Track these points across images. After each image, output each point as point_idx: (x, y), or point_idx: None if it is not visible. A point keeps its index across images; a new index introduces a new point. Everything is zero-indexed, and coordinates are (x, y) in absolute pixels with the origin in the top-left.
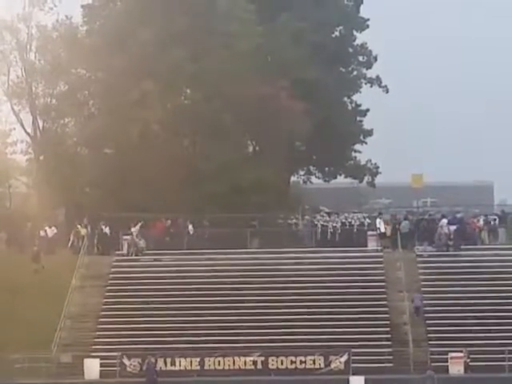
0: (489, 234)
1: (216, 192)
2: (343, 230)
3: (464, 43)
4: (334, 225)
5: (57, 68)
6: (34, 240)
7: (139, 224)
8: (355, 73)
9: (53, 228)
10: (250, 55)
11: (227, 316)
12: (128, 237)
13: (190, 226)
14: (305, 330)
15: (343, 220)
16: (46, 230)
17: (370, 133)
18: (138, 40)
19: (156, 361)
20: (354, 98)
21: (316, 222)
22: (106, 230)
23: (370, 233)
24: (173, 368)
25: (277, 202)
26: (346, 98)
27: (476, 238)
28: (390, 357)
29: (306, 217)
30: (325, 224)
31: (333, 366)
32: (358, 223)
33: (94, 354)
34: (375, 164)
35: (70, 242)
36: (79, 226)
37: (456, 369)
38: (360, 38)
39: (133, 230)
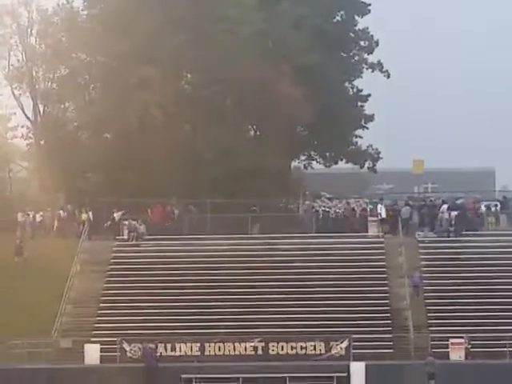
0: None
1: (217, 177)
2: (346, 215)
3: (466, 29)
4: (338, 210)
5: (57, 52)
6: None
7: (122, 211)
8: (356, 58)
9: (41, 213)
10: (250, 40)
11: (228, 301)
12: (127, 222)
13: (192, 207)
14: (305, 315)
15: (351, 207)
16: (30, 215)
17: (371, 118)
18: (138, 24)
19: (156, 346)
20: (356, 83)
21: (317, 208)
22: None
23: (370, 218)
24: (173, 353)
25: (278, 188)
26: (347, 83)
27: (477, 223)
28: (391, 343)
29: (307, 202)
30: (326, 209)
31: (333, 351)
32: (360, 208)
33: (94, 339)
34: (376, 149)
35: (55, 226)
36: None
37: (457, 355)
38: (361, 22)
39: (115, 215)
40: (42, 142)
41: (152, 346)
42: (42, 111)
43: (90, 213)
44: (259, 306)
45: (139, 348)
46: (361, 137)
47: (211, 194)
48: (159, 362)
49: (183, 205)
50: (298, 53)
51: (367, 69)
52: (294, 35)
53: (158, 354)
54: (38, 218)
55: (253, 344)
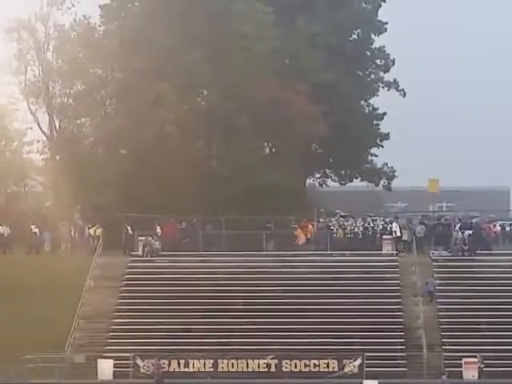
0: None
1: (231, 194)
2: (362, 234)
3: (485, 46)
4: (355, 230)
5: (74, 68)
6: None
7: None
8: (372, 76)
9: (6, 228)
10: (266, 58)
11: (241, 318)
12: (143, 238)
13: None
14: (319, 333)
15: (365, 225)
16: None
17: (386, 136)
18: (155, 41)
19: (170, 362)
20: (371, 101)
21: (332, 227)
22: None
23: (385, 237)
24: (186, 370)
25: (292, 205)
26: (362, 102)
27: (491, 242)
28: (404, 361)
29: (321, 220)
30: (342, 227)
31: (346, 369)
32: (380, 228)
33: (107, 354)
34: (391, 168)
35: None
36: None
37: (470, 374)
38: (378, 41)
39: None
40: (57, 157)
41: (157, 361)
42: (57, 126)
43: (101, 229)
44: (273, 323)
45: (152, 364)
46: (376, 155)
47: (226, 210)
48: (169, 377)
49: (198, 221)
50: (313, 71)
51: (383, 87)
52: (310, 53)
53: (166, 369)
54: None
55: (266, 361)
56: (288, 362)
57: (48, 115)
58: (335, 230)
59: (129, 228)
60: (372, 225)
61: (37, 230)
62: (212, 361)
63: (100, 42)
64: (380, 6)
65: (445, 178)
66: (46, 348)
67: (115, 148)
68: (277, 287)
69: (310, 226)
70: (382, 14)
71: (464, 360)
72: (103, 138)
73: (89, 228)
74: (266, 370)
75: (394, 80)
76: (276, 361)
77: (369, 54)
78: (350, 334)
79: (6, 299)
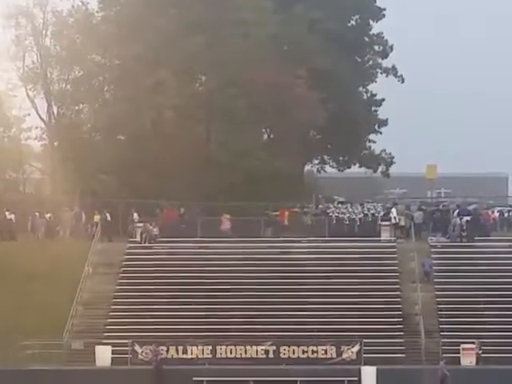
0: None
1: (230, 180)
2: (361, 220)
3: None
4: (353, 217)
5: (72, 54)
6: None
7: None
8: (371, 62)
9: (48, 215)
10: (265, 44)
11: (239, 305)
12: (141, 224)
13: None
14: (317, 319)
15: (365, 211)
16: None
17: (384, 122)
18: (153, 27)
19: (168, 349)
20: (370, 87)
21: (330, 213)
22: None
23: (383, 223)
24: (184, 356)
25: (290, 191)
26: (361, 88)
27: (489, 229)
28: (402, 347)
29: (320, 206)
30: (340, 214)
31: (344, 355)
32: (381, 214)
33: (105, 341)
34: (390, 154)
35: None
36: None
37: (468, 360)
38: (376, 27)
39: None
40: (55, 144)
41: (155, 348)
42: (56, 113)
43: (108, 214)
44: (271, 310)
45: (150, 350)
46: (374, 141)
47: (224, 196)
48: (167, 364)
49: (197, 207)
50: (312, 56)
51: (381, 73)
52: (308, 39)
53: (164, 355)
54: (47, 217)
55: (264, 347)
56: (286, 348)
57: (46, 101)
58: (333, 216)
59: (135, 214)
60: (371, 211)
61: (12, 217)
62: (210, 347)
63: (98, 28)
64: None
65: (443, 164)
66: (44, 334)
67: (113, 134)
68: (275, 273)
69: (287, 213)
70: (381, 0)
71: (462, 346)
72: (101, 124)
73: (85, 214)
74: (264, 356)
75: (393, 66)
76: (274, 347)
77: (367, 40)
78: (348, 320)
79: (4, 285)
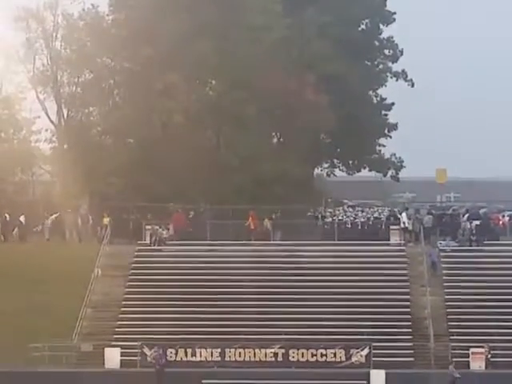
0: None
1: (240, 183)
2: (370, 223)
3: (491, 36)
4: (362, 220)
5: (82, 57)
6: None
7: (55, 215)
8: (381, 66)
9: (53, 216)
10: (275, 48)
11: (248, 307)
12: (150, 227)
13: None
14: (326, 322)
15: (375, 215)
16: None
17: (394, 127)
18: (163, 30)
19: (177, 351)
20: (380, 91)
21: (340, 216)
22: None
23: (392, 227)
24: (193, 359)
25: (300, 195)
26: (371, 92)
27: (499, 233)
28: (411, 351)
29: (329, 210)
30: (350, 218)
31: (353, 359)
32: (390, 218)
33: (114, 343)
34: (399, 158)
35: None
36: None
37: (477, 364)
38: (386, 31)
39: (47, 221)
40: (65, 146)
41: (159, 351)
42: (65, 115)
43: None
44: (280, 313)
45: (155, 352)
46: (384, 145)
47: (234, 200)
48: (175, 366)
49: (207, 210)
50: (322, 61)
51: (391, 77)
52: (318, 43)
53: (169, 359)
54: (55, 219)
55: (273, 350)
56: (295, 351)
57: (56, 104)
58: (343, 219)
59: (149, 217)
60: (381, 215)
61: (22, 219)
62: (219, 350)
63: (108, 31)
64: None
65: (453, 169)
66: (54, 336)
67: (123, 137)
68: (284, 277)
69: (251, 218)
70: (391, 4)
71: (471, 350)
72: (111, 127)
73: (92, 218)
74: (273, 359)
75: (403, 70)
76: (283, 350)
77: (377, 44)
78: (358, 323)
79: (14, 287)
